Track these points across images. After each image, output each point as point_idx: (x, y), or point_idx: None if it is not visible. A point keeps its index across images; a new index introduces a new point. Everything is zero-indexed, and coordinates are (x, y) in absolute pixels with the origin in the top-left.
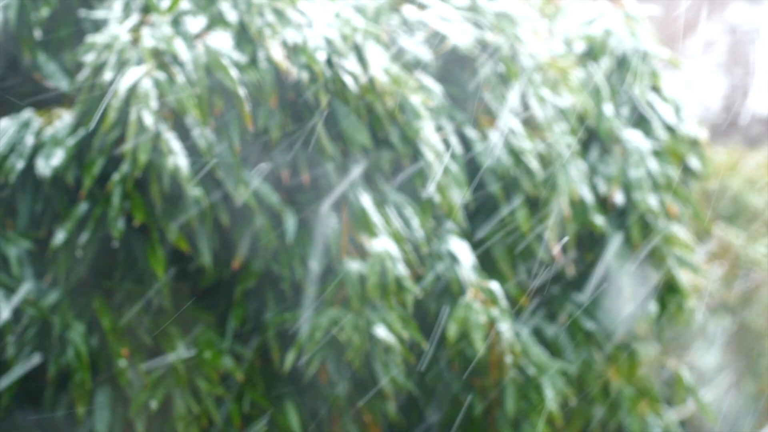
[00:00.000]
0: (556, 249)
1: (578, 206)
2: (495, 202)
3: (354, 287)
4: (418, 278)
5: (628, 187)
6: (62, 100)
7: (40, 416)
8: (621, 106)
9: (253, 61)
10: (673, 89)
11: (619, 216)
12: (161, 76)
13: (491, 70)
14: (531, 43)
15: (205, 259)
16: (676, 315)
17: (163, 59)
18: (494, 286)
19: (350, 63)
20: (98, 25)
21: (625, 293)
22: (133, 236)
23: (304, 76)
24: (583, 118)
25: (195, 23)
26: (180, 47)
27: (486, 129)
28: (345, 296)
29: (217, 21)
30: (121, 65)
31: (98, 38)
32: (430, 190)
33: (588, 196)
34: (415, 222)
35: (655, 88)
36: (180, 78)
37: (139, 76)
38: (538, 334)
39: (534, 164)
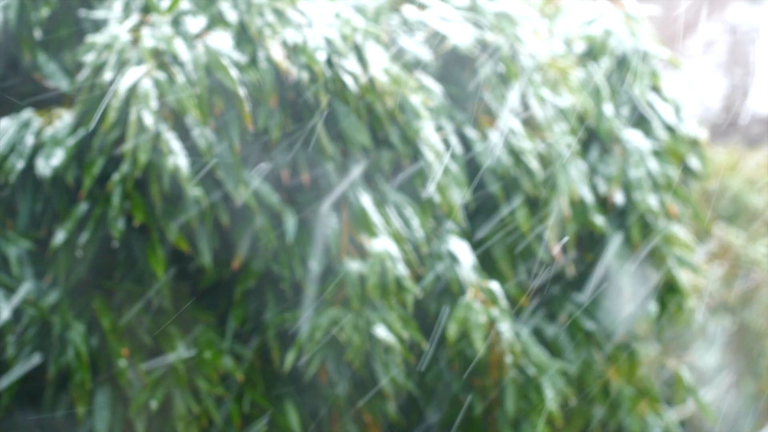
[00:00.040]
0: (556, 249)
1: (578, 206)
2: (495, 202)
3: (354, 287)
4: (418, 278)
5: (628, 187)
6: (62, 100)
7: (40, 416)
8: (621, 106)
9: (253, 61)
10: (673, 89)
11: (619, 216)
12: (161, 76)
13: (491, 70)
14: (531, 43)
15: (205, 259)
16: (676, 315)
17: (163, 59)
18: (494, 286)
19: (350, 63)
20: (98, 25)
21: (625, 293)
22: (133, 236)
23: (304, 76)
24: (583, 118)
25: (195, 23)
26: (180, 47)
27: (486, 129)
28: (345, 296)
29: (217, 21)
30: (121, 65)
31: (98, 38)
32: (430, 190)
33: (588, 196)
34: (415, 222)
35: (655, 88)
36: (180, 78)
37: (139, 76)
38: (538, 334)
39: (534, 164)
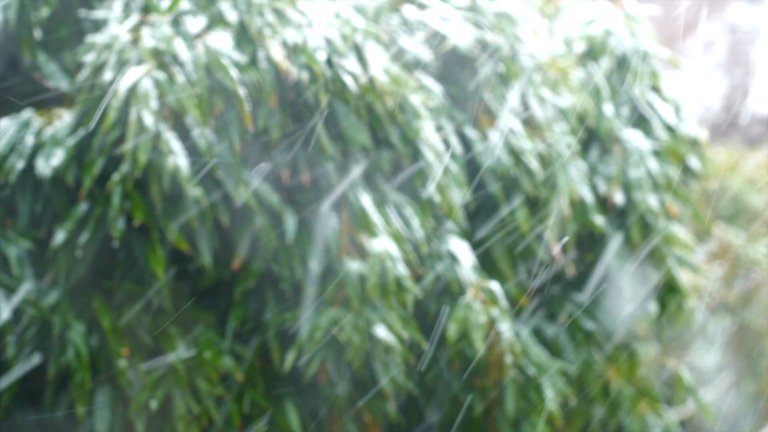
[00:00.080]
0: (556, 249)
1: (578, 206)
2: (495, 202)
3: (354, 287)
4: (418, 278)
5: (628, 187)
6: (62, 100)
7: (40, 416)
8: (621, 106)
9: (253, 61)
10: (673, 89)
11: (619, 216)
12: (161, 76)
13: (491, 70)
14: (531, 43)
15: (205, 259)
16: (676, 315)
17: (163, 59)
18: (494, 286)
19: (350, 63)
20: (98, 25)
21: (625, 293)
22: (133, 236)
23: (304, 76)
24: (583, 118)
25: (195, 23)
26: (180, 47)
27: (486, 129)
28: (345, 296)
29: (217, 21)
30: (121, 65)
31: (98, 38)
32: (430, 190)
33: (588, 196)
34: (415, 222)
35: (655, 88)
36: (180, 78)
37: (139, 76)
38: (538, 334)
39: (534, 164)
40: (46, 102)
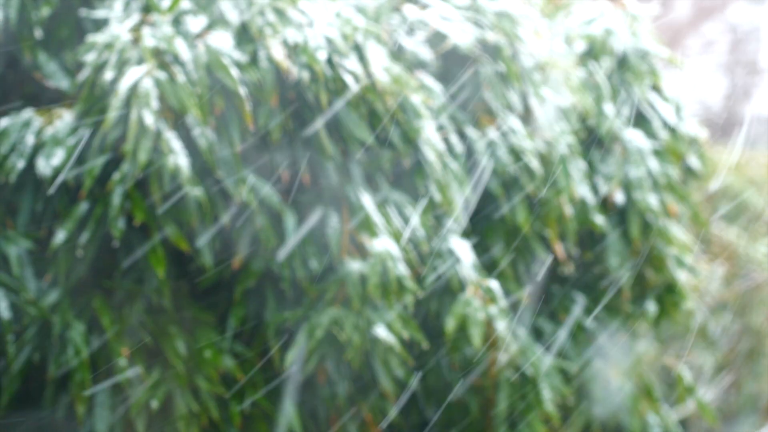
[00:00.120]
0: (556, 248)
1: (578, 206)
2: (495, 202)
3: (355, 287)
4: (418, 277)
5: (628, 187)
6: (63, 99)
7: (40, 416)
8: (621, 105)
9: (254, 61)
10: (673, 89)
11: (619, 215)
12: (162, 75)
13: (492, 69)
14: (531, 42)
15: (205, 259)
16: (675, 315)
17: (163, 59)
18: (494, 284)
19: (351, 62)
20: (99, 25)
21: (624, 293)
22: (133, 236)
23: (305, 75)
24: (583, 118)
25: (196, 23)
26: (181, 47)
27: (486, 128)
28: (345, 296)
29: (217, 20)
30: (122, 65)
31: (99, 38)
32: (431, 189)
33: (588, 196)
34: (416, 221)
35: (656, 88)
36: (181, 77)
37: (139, 75)
38: (537, 333)
39: (534, 164)
40: (47, 101)
